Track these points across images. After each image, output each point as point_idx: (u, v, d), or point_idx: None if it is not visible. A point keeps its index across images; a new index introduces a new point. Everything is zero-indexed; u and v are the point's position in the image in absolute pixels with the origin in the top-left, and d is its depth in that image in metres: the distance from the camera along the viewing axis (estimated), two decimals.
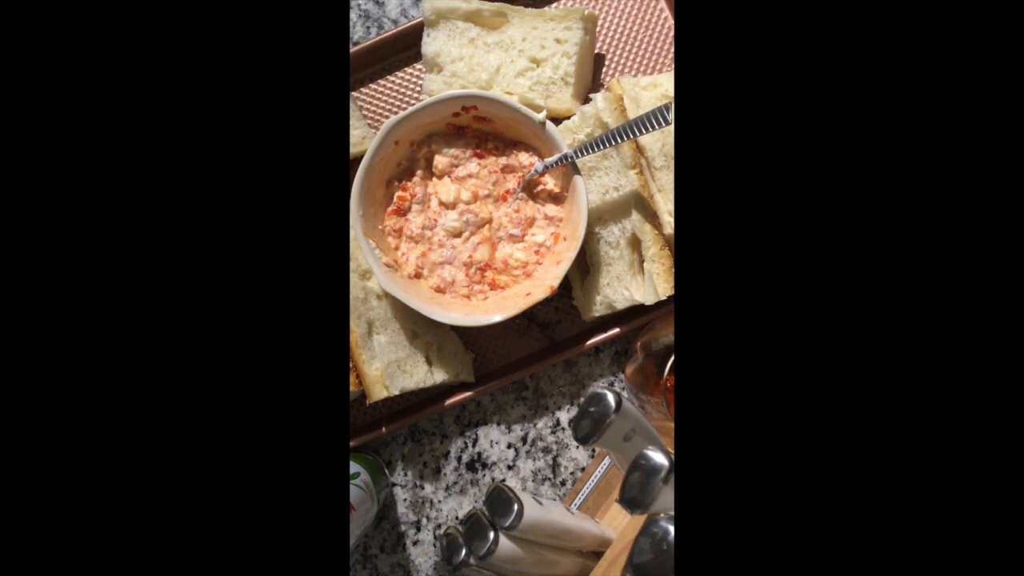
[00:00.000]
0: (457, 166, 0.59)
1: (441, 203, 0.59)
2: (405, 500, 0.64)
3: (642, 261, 0.55)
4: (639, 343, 0.56)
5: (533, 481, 0.62)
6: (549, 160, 0.56)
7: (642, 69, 0.62)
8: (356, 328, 0.58)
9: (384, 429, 0.62)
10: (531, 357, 0.62)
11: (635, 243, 0.55)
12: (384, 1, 0.66)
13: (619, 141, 0.51)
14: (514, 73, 0.59)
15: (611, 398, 0.45)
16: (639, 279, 0.56)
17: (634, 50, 0.63)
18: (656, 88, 0.56)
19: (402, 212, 0.60)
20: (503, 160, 0.59)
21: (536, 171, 0.57)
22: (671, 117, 0.48)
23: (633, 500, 0.38)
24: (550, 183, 0.59)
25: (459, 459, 0.64)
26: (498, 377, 0.61)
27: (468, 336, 0.63)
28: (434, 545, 0.63)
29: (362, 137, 0.61)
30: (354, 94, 0.64)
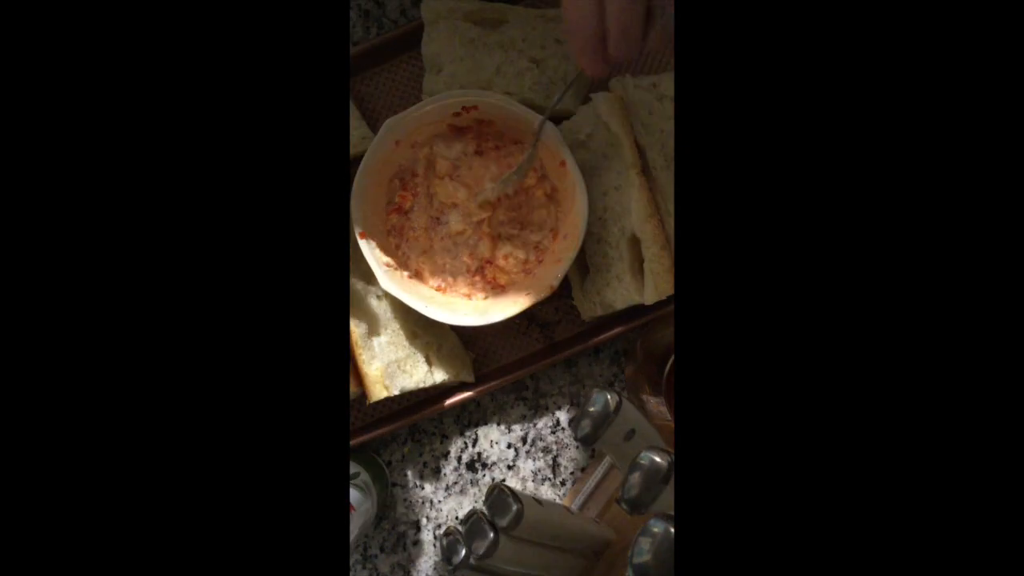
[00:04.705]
0: (458, 166, 0.59)
1: (441, 203, 0.59)
2: (405, 500, 0.64)
3: (642, 261, 0.55)
4: (639, 343, 0.56)
5: (533, 481, 0.62)
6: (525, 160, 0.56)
7: (642, 69, 0.62)
8: (356, 328, 0.58)
9: (384, 429, 0.62)
10: (531, 357, 0.62)
11: (635, 243, 0.55)
12: (384, 1, 0.66)
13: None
14: (514, 73, 0.59)
15: (611, 398, 0.45)
16: (639, 279, 0.56)
17: None
18: (656, 88, 0.56)
19: (403, 212, 0.60)
20: (504, 160, 0.59)
21: (517, 174, 0.57)
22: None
23: (633, 500, 0.38)
24: (550, 183, 0.59)
25: (459, 459, 0.64)
26: (498, 377, 0.61)
27: (468, 336, 0.63)
28: (434, 545, 0.63)
29: (362, 137, 0.61)
30: (354, 94, 0.64)
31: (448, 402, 0.61)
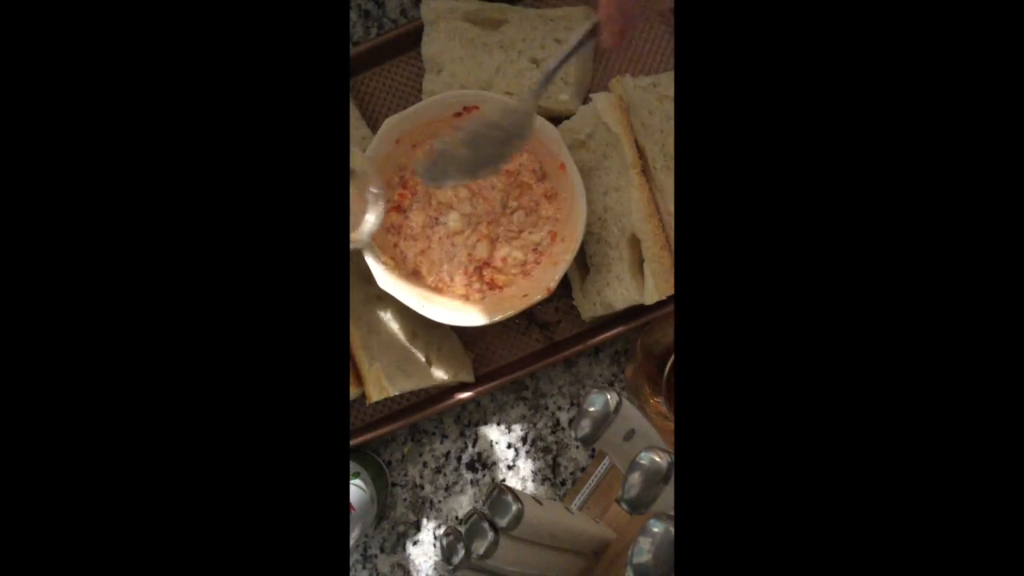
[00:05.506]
0: None
1: (440, 202, 0.59)
2: (405, 500, 0.64)
3: (642, 261, 0.55)
4: (639, 343, 0.56)
5: (533, 481, 0.62)
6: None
7: (642, 69, 0.62)
8: (356, 329, 0.58)
9: (384, 429, 0.62)
10: (531, 357, 0.62)
11: (635, 243, 0.55)
12: (384, 1, 0.66)
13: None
14: (514, 73, 0.59)
15: (611, 398, 0.45)
16: (639, 279, 0.56)
17: (634, 50, 0.63)
18: (656, 88, 0.56)
19: (401, 210, 0.60)
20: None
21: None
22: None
23: (633, 500, 0.38)
24: (548, 183, 0.59)
25: (459, 459, 0.64)
26: (498, 377, 0.61)
27: (468, 336, 0.63)
28: (434, 545, 0.63)
29: (362, 137, 0.61)
30: (354, 94, 0.64)
31: (448, 402, 0.61)
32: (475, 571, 0.48)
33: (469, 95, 0.56)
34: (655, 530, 0.35)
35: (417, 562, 0.63)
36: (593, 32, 0.47)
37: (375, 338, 0.58)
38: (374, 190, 0.52)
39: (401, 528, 0.64)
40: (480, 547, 0.45)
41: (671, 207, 0.54)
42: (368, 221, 0.53)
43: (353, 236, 0.52)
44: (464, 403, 0.63)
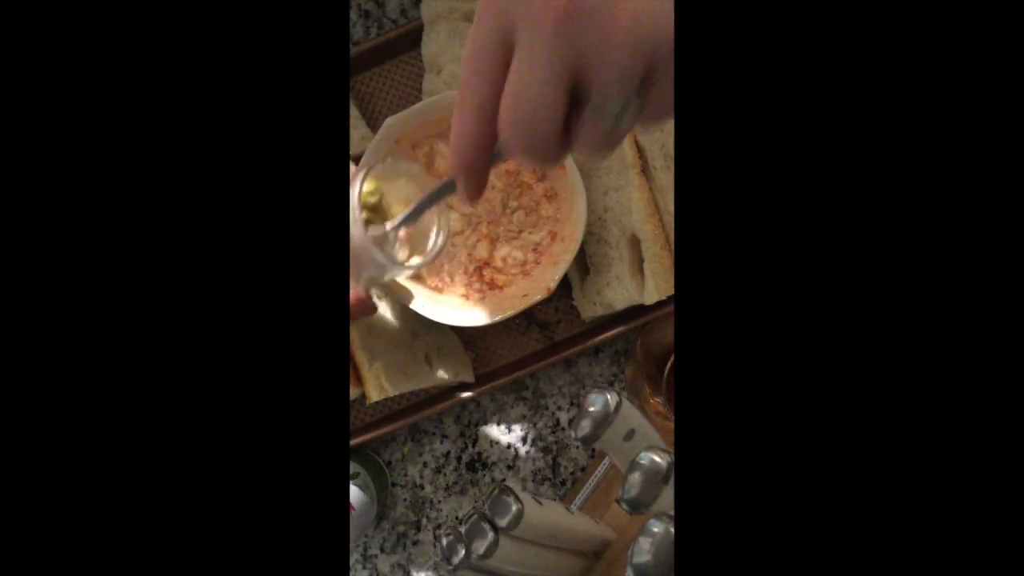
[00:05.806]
0: None
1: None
2: (405, 500, 0.64)
3: (642, 261, 0.55)
4: (639, 343, 0.56)
5: (533, 481, 0.62)
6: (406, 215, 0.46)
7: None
8: (356, 329, 0.58)
9: (384, 429, 0.62)
10: (531, 357, 0.62)
11: (635, 243, 0.55)
12: (384, 1, 0.66)
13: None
14: None
15: (611, 398, 0.45)
16: (639, 279, 0.56)
17: None
18: None
19: None
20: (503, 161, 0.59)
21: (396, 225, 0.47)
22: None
23: (633, 500, 0.38)
24: (548, 183, 0.59)
25: (459, 459, 0.64)
26: (498, 377, 0.61)
27: (468, 336, 0.63)
28: (434, 545, 0.63)
29: (362, 137, 0.61)
30: (354, 94, 0.64)
31: (448, 402, 0.61)
32: (475, 571, 0.48)
33: None
34: (655, 530, 0.35)
35: (417, 562, 0.63)
36: (448, 186, 0.39)
37: (375, 338, 0.58)
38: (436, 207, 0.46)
39: (401, 528, 0.64)
40: (480, 547, 0.45)
41: (671, 207, 0.54)
42: (437, 239, 0.48)
43: (419, 256, 0.47)
44: (464, 403, 0.63)
